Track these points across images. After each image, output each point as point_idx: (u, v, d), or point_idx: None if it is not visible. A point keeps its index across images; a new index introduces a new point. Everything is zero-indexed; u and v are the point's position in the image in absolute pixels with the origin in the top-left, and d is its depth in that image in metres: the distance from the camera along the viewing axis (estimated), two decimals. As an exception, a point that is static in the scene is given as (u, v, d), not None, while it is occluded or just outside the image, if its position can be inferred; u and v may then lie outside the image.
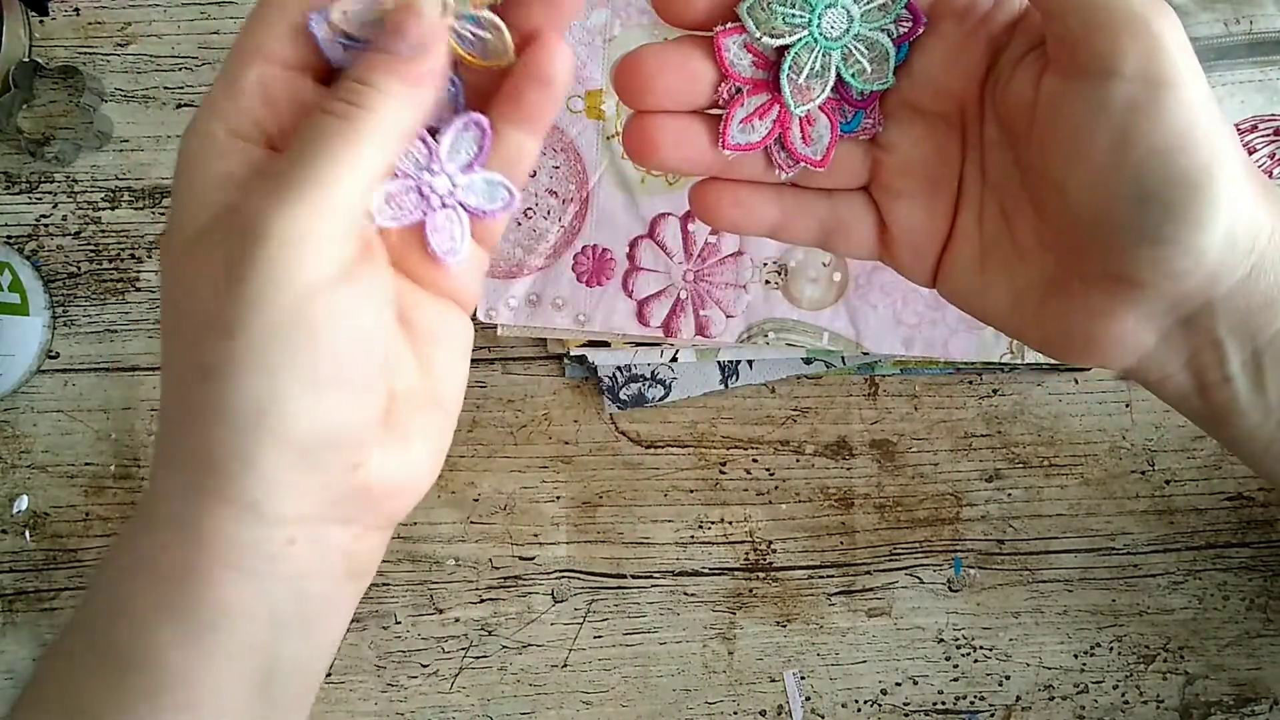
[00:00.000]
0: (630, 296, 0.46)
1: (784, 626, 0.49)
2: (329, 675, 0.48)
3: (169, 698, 0.25)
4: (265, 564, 0.25)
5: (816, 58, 0.28)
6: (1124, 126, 0.25)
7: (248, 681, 0.25)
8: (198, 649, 0.25)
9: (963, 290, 0.31)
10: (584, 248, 0.47)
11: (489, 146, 0.26)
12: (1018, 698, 0.49)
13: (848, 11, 0.28)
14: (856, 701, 0.49)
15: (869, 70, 0.28)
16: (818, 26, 0.28)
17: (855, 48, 0.28)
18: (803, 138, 0.29)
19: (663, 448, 0.49)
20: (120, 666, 0.25)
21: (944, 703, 0.49)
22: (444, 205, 0.26)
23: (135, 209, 0.49)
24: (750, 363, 0.48)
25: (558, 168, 0.46)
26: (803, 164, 0.29)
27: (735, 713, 0.49)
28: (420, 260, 0.26)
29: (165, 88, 0.49)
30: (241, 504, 0.24)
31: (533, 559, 0.49)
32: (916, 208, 0.30)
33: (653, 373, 0.48)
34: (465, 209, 0.27)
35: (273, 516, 0.24)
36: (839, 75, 0.28)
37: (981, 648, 0.49)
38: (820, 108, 0.28)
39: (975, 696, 0.49)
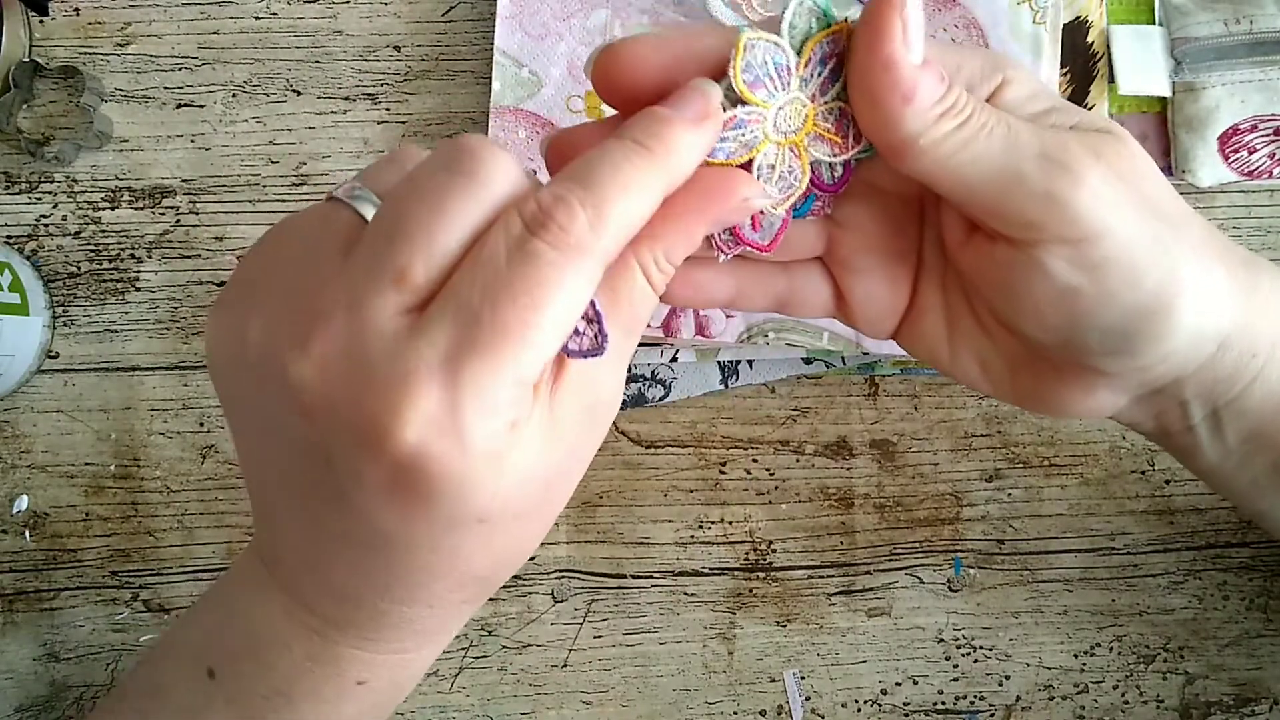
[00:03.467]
0: (630, 296, 0.46)
1: (784, 626, 0.49)
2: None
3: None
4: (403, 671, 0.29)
5: (783, 157, 0.27)
6: (1063, 285, 0.25)
7: None
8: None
9: (929, 356, 0.31)
10: (584, 248, 0.47)
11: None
12: (1018, 698, 0.49)
13: (802, 105, 0.26)
14: (856, 701, 0.49)
15: (846, 141, 0.27)
16: (773, 125, 0.26)
17: (821, 126, 0.27)
18: (751, 224, 0.28)
19: (663, 448, 0.49)
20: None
21: (944, 703, 0.49)
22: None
23: (135, 209, 0.49)
24: (750, 363, 0.48)
25: (558, 168, 0.46)
26: (748, 248, 0.28)
27: (735, 713, 0.49)
28: None
29: (165, 88, 0.49)
30: (395, 647, 0.27)
31: (533, 559, 0.49)
32: (874, 282, 0.30)
33: (653, 373, 0.48)
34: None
35: (422, 640, 0.27)
36: (812, 165, 0.27)
37: (981, 648, 0.49)
38: None
39: (975, 696, 0.49)
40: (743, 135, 0.26)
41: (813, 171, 0.28)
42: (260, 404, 0.23)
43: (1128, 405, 0.29)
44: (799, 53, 0.25)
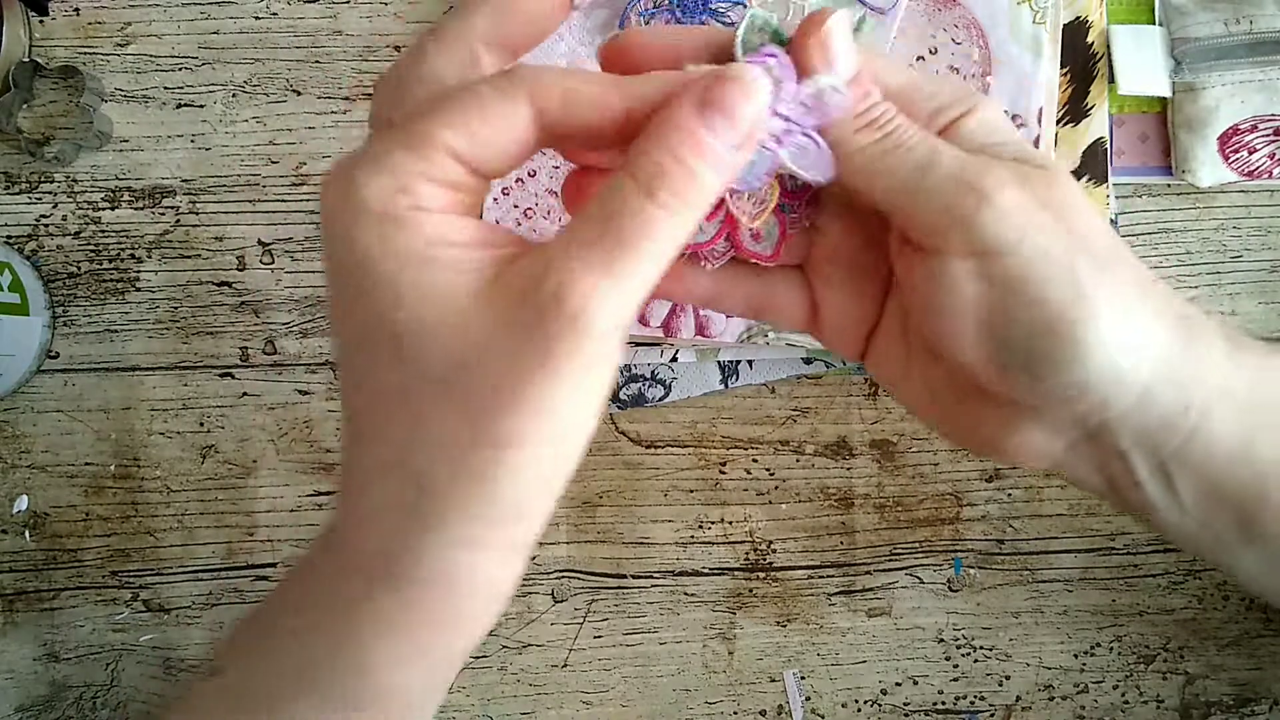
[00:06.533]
0: (630, 297, 0.46)
1: (784, 626, 0.49)
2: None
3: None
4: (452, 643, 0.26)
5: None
6: (966, 295, 0.26)
7: None
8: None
9: (885, 377, 0.31)
10: (584, 248, 0.47)
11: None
12: (1018, 698, 0.49)
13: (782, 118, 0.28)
14: (856, 701, 0.49)
15: (815, 163, 0.28)
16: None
17: (798, 142, 0.28)
18: (752, 236, 0.29)
19: (663, 448, 0.49)
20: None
21: (944, 703, 0.49)
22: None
23: (135, 209, 0.49)
24: (750, 363, 0.48)
25: (558, 167, 0.46)
26: (753, 260, 0.29)
27: (735, 713, 0.49)
28: None
29: (165, 88, 0.49)
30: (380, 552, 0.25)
31: (533, 559, 0.49)
32: (844, 294, 0.31)
33: (653, 373, 0.48)
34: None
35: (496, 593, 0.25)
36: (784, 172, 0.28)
37: (981, 648, 0.49)
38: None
39: (975, 696, 0.49)
40: None
41: (780, 182, 0.29)
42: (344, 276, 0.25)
43: (1066, 452, 0.29)
44: None
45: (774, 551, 0.49)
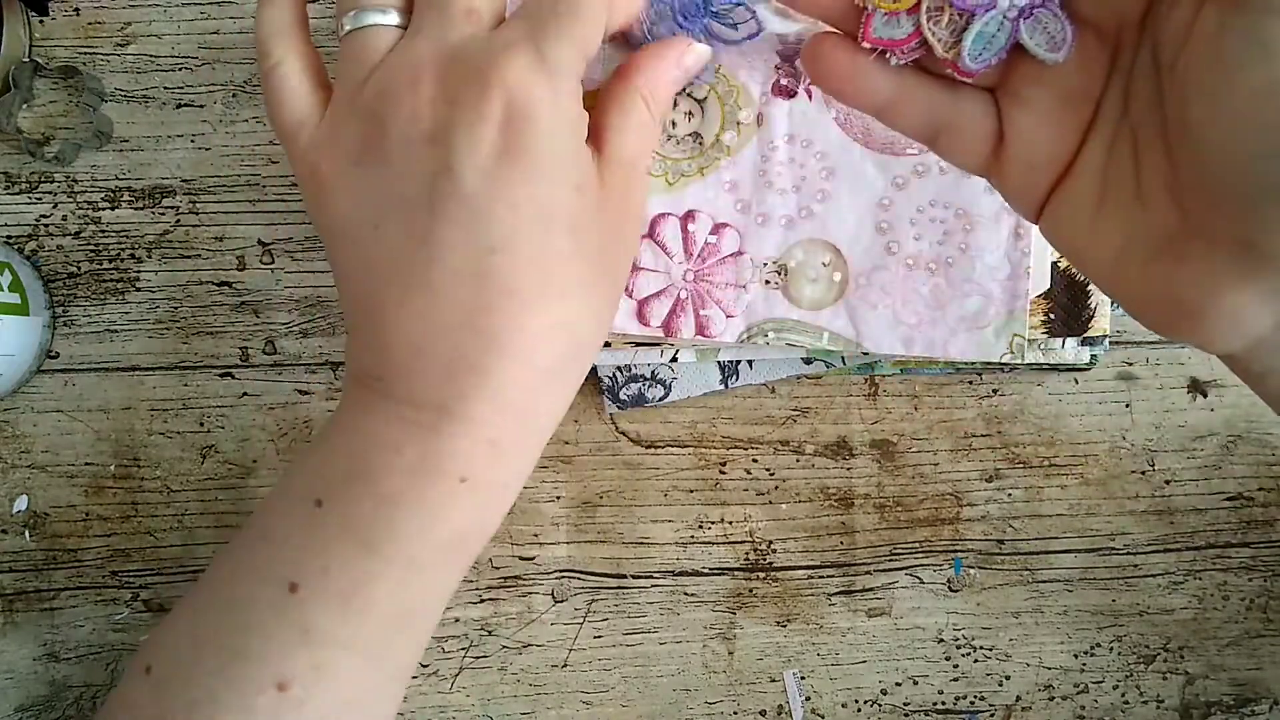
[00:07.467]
0: (630, 296, 0.46)
1: (784, 626, 0.49)
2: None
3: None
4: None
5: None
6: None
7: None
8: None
9: (1068, 230, 0.28)
10: (584, 248, 0.47)
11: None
12: (1018, 698, 0.49)
13: None
14: (856, 701, 0.49)
15: (1054, 39, 0.26)
16: None
17: (1042, 15, 0.26)
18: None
19: (663, 448, 0.49)
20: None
21: (944, 703, 0.49)
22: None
23: (135, 209, 0.49)
24: (750, 363, 0.48)
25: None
26: (950, 68, 0.26)
27: (735, 713, 0.49)
28: None
29: (165, 88, 0.49)
30: (490, 431, 0.29)
31: (533, 559, 0.49)
32: (1043, 122, 0.27)
33: (653, 373, 0.48)
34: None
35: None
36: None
37: (981, 648, 0.49)
38: None
39: (975, 696, 0.49)
40: None
41: None
42: (369, 172, 0.28)
43: (1273, 332, 0.24)
44: None
45: (774, 551, 0.49)
